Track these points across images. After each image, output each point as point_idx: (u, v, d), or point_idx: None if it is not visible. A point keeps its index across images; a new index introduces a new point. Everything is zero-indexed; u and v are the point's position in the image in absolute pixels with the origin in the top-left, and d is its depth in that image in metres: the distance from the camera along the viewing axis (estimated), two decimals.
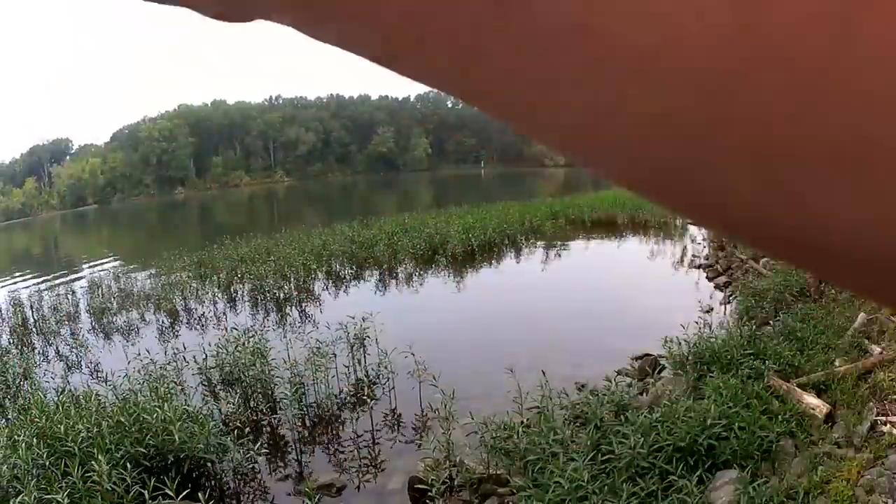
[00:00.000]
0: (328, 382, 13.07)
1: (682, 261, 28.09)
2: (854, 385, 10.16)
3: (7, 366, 15.26)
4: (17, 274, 43.12)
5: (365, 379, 13.66)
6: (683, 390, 10.56)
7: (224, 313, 22.05)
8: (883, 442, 8.29)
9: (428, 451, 9.47)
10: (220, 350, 13.87)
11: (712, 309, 18.82)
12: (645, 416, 8.92)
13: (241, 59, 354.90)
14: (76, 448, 8.47)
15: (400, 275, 27.01)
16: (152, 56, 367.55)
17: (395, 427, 12.08)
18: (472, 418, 9.44)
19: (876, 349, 11.48)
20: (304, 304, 22.49)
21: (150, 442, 9.06)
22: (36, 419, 9.63)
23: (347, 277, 27.18)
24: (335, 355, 13.69)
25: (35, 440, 8.79)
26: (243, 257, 29.33)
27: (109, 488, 7.82)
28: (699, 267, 25.99)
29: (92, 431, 8.93)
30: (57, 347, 19.94)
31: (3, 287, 34.85)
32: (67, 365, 17.68)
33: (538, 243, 34.17)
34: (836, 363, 11.18)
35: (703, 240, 32.03)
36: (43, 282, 34.25)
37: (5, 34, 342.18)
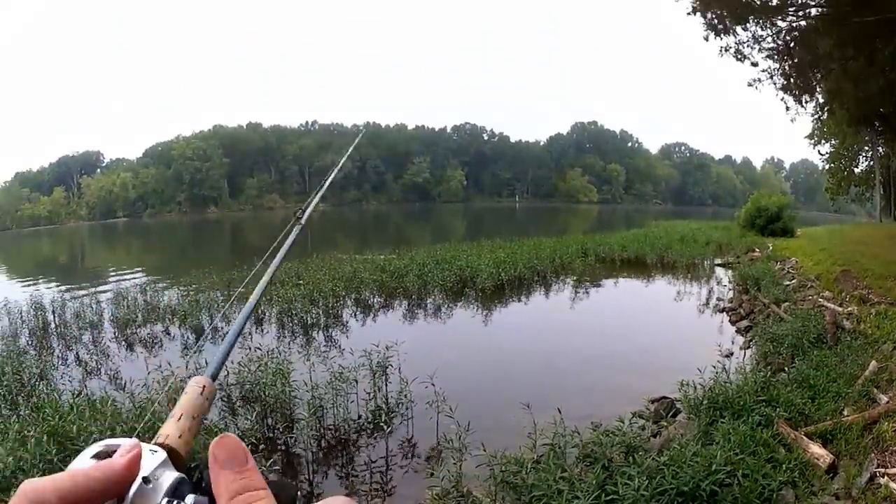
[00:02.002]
0: (347, 407, 13.12)
1: (707, 303, 27.78)
2: (859, 435, 10.05)
3: (23, 365, 15.40)
4: (41, 279, 43.54)
5: (384, 406, 13.48)
6: (694, 435, 10.46)
7: (250, 333, 21.86)
8: (879, 494, 8.22)
9: (438, 480, 9.42)
10: (242, 368, 14.01)
11: (732, 353, 18.60)
12: (653, 459, 8.84)
13: (278, 83, 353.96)
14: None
15: (428, 306, 26.87)
16: (186, 75, 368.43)
17: (409, 455, 12.07)
18: (485, 450, 9.31)
19: (883, 398, 11.38)
20: (330, 330, 22.43)
21: None
22: (48, 418, 9.66)
23: (376, 306, 26.99)
24: (357, 381, 13.65)
25: (45, 437, 8.80)
26: (273, 280, 28.98)
27: None
28: (723, 310, 25.67)
29: (105, 435, 8.74)
30: (77, 353, 20.05)
31: (26, 289, 34.98)
32: (86, 370, 17.79)
33: (567, 280, 33.93)
34: (845, 412, 11.06)
35: (729, 282, 31.85)
36: (67, 288, 34.21)
37: (43, 44, 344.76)
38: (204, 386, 2.19)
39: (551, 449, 9.71)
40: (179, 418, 1.93)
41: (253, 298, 2.97)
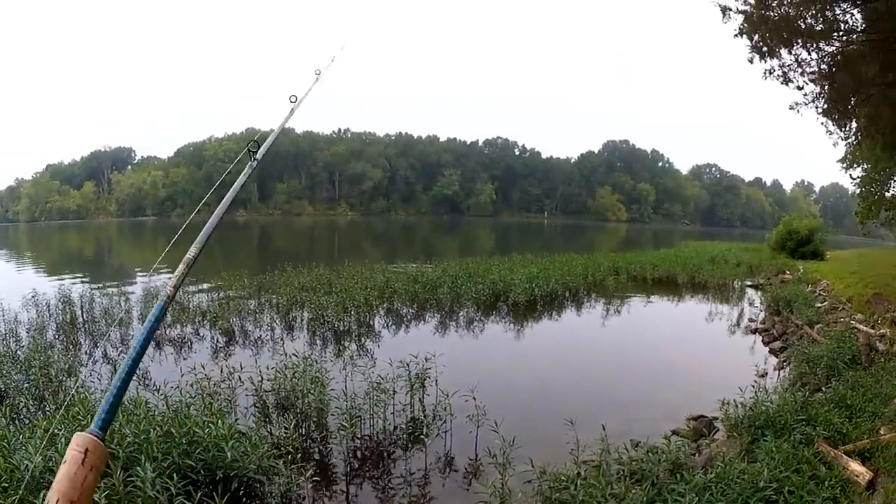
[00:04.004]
0: (386, 418, 12.96)
1: (738, 324, 27.73)
2: None
3: (50, 360, 15.09)
4: (68, 273, 43.54)
5: (422, 418, 13.34)
6: (737, 453, 10.55)
7: (281, 339, 21.94)
8: None
9: (483, 493, 9.34)
10: (278, 374, 13.87)
11: (766, 373, 18.58)
12: (700, 476, 8.92)
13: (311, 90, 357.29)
14: (120, 451, 8.42)
15: (461, 319, 26.79)
16: (220, 76, 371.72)
17: (447, 469, 11.87)
18: (532, 466, 9.31)
19: None
20: (363, 339, 22.22)
21: (200, 456, 9.00)
22: (79, 416, 9.57)
23: (408, 317, 26.85)
24: (395, 392, 13.54)
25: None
26: (304, 286, 29.38)
27: (152, 495, 7.73)
28: (755, 331, 25.58)
29: (139, 437, 8.84)
30: (105, 350, 19.86)
31: (52, 283, 34.78)
32: (115, 368, 17.18)
33: (599, 298, 34.03)
34: (882, 431, 11.06)
35: (761, 303, 32.04)
36: (94, 284, 34.21)
37: (83, 34, 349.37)
38: (86, 450, 1.94)
39: (598, 465, 9.75)
40: None
41: (178, 274, 2.78)
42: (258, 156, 4.08)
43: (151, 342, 15.19)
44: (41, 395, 13.77)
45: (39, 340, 18.52)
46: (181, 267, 2.85)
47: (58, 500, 1.56)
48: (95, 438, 1.99)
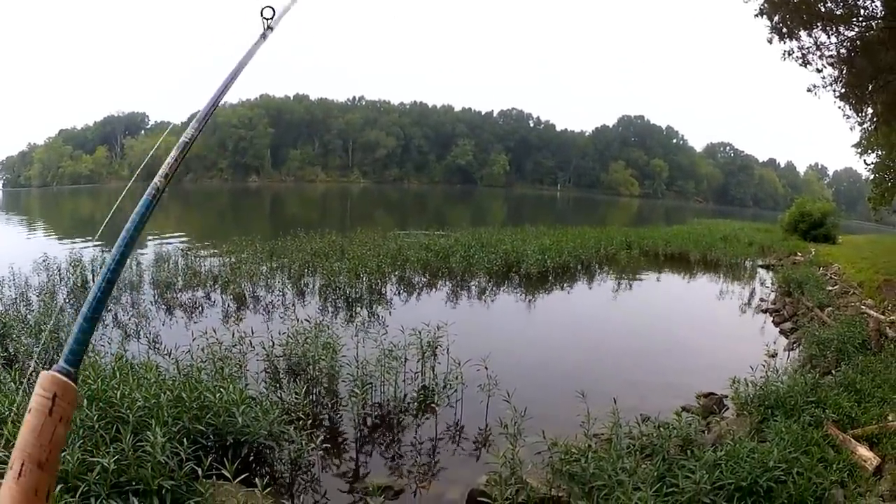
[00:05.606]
0: (396, 385, 12.98)
1: (749, 303, 27.71)
2: None
3: (61, 323, 15.16)
4: (78, 238, 43.22)
5: (434, 386, 13.34)
6: (747, 431, 10.58)
7: (293, 305, 21.95)
8: None
9: (494, 464, 9.17)
10: (290, 340, 13.92)
11: (776, 354, 18.48)
12: (710, 453, 8.89)
13: (325, 56, 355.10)
14: (130, 416, 8.36)
15: (473, 288, 26.88)
16: (232, 43, 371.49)
17: (457, 438, 11.90)
18: (544, 437, 9.23)
19: None
20: (374, 306, 22.25)
21: (210, 421, 9.03)
22: (89, 381, 9.46)
23: (420, 285, 26.97)
24: (406, 359, 13.64)
25: (85, 402, 8.60)
26: (316, 252, 29.47)
27: (162, 460, 7.67)
28: (766, 311, 25.60)
29: (149, 402, 8.83)
30: (115, 314, 19.84)
31: (64, 246, 35.51)
32: (126, 333, 17.59)
33: (611, 272, 34.14)
34: (890, 418, 11.04)
35: (772, 284, 31.98)
36: (105, 247, 34.41)
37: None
38: (55, 395, 1.68)
39: (609, 439, 9.78)
40: (20, 474, 1.48)
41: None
42: (273, 24, 3.22)
43: (163, 307, 15.23)
44: (51, 359, 13.76)
45: (50, 304, 18.80)
46: (174, 153, 2.29)
47: (23, 465, 1.34)
48: (64, 378, 1.78)
